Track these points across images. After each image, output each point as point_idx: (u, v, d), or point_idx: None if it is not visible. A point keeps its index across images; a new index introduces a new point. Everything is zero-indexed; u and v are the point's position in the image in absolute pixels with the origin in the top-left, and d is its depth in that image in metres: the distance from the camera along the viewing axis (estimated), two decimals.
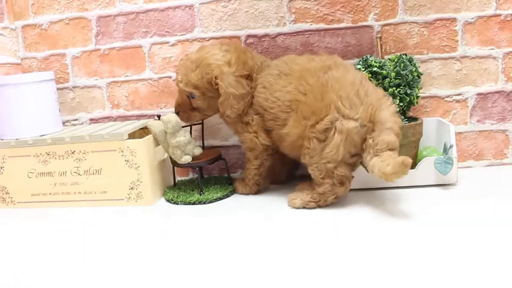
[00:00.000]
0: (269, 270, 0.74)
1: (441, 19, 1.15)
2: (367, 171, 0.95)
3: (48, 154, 1.16)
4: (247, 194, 1.14)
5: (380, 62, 1.08)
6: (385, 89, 1.06)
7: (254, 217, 0.98)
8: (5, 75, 1.28)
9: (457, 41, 1.16)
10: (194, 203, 1.09)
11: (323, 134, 0.95)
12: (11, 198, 1.21)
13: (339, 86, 0.95)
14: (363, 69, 1.08)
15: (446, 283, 0.65)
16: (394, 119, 0.95)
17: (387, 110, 0.96)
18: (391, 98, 1.00)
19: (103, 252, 0.87)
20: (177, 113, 1.11)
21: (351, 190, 1.06)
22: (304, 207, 1.00)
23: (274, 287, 0.68)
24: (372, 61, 1.09)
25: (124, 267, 0.80)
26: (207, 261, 0.79)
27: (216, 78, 1.04)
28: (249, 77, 1.06)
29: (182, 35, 1.25)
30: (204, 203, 1.09)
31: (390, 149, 0.92)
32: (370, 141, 0.93)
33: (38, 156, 1.17)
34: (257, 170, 1.11)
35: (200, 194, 1.11)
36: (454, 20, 1.15)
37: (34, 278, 0.78)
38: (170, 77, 1.28)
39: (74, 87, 1.34)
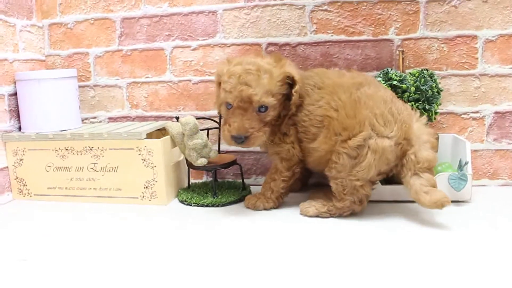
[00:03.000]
0: (278, 276, 0.74)
1: (461, 36, 1.16)
2: (398, 182, 0.99)
3: (66, 149, 1.19)
4: (271, 208, 1.08)
5: (400, 76, 1.09)
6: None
7: (266, 222, 0.99)
8: (30, 71, 1.31)
9: (477, 58, 1.16)
10: (207, 206, 1.10)
11: (354, 150, 0.93)
12: (28, 190, 1.23)
13: (373, 103, 0.94)
14: (383, 82, 1.09)
15: None
16: (428, 130, 0.98)
17: (419, 122, 0.98)
18: (418, 112, 1.02)
19: (112, 249, 0.88)
20: (246, 137, 0.95)
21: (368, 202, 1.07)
22: (317, 216, 1.01)
23: None
24: (392, 74, 1.09)
25: (131, 264, 0.81)
26: (216, 264, 0.79)
27: (287, 73, 0.97)
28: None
29: (204, 40, 1.27)
30: (217, 206, 1.10)
31: (429, 169, 0.95)
32: (412, 157, 0.94)
33: (57, 150, 1.19)
34: (286, 183, 1.06)
35: (214, 197, 1.12)
36: (475, 37, 1.15)
37: (39, 266, 0.80)
38: (190, 80, 1.30)
39: (95, 85, 1.37)
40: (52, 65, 1.38)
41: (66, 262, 0.82)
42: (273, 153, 1.05)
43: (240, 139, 0.95)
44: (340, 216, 0.99)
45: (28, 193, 1.24)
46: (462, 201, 1.07)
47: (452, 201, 1.06)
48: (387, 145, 0.93)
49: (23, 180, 1.23)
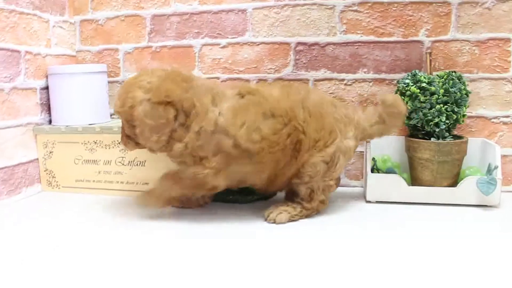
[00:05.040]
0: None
1: (494, 39, 1.14)
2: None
3: (95, 143, 1.21)
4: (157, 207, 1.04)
5: (429, 78, 1.08)
6: (432, 106, 1.06)
7: (251, 219, 0.98)
8: (62, 65, 1.33)
9: (510, 62, 1.14)
10: (230, 202, 1.11)
11: (329, 156, 0.96)
12: (57, 182, 1.25)
13: (329, 110, 0.98)
14: (412, 84, 1.08)
15: None
16: (363, 111, 1.07)
17: (359, 111, 1.05)
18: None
19: (133, 241, 0.89)
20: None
21: (393, 203, 1.07)
22: (289, 220, 0.98)
23: None
24: (421, 76, 1.08)
25: (151, 257, 0.81)
26: (212, 267, 0.80)
27: (132, 106, 0.92)
28: (171, 105, 0.90)
29: (233, 38, 1.28)
30: (240, 202, 1.11)
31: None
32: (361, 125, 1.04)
33: (85, 143, 1.21)
34: (179, 196, 1.01)
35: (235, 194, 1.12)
36: (508, 40, 1.14)
37: (69, 254, 0.81)
38: (218, 78, 1.30)
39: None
40: (82, 61, 1.41)
41: (92, 251, 0.83)
42: (187, 173, 0.95)
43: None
44: (307, 217, 1.00)
45: (57, 185, 1.26)
46: (491, 206, 1.05)
47: (481, 206, 1.06)
48: (352, 145, 1.00)
49: (52, 172, 1.26)
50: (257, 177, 0.97)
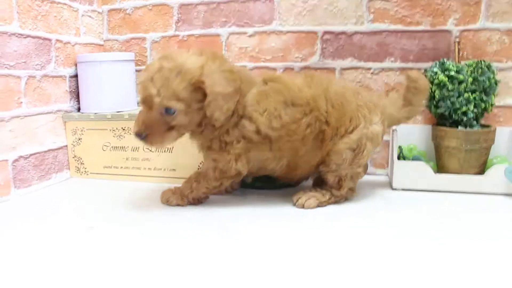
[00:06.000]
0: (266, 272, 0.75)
1: None
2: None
3: (123, 130, 1.23)
4: (181, 205, 1.01)
5: (457, 67, 1.08)
6: (460, 94, 1.06)
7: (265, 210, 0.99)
8: (90, 53, 1.36)
9: None
10: (260, 188, 1.12)
11: (355, 143, 0.96)
12: (85, 168, 1.28)
13: (351, 98, 0.98)
14: (440, 72, 1.08)
15: None
16: (388, 99, 1.07)
17: (384, 99, 1.06)
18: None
19: (163, 224, 0.91)
20: (144, 137, 0.90)
21: (419, 190, 1.07)
22: (318, 206, 1.00)
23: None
24: (449, 64, 1.08)
25: (178, 241, 0.83)
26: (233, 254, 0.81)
27: (200, 78, 0.87)
28: (234, 74, 0.91)
29: (260, 26, 1.29)
30: (271, 188, 1.12)
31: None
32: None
33: (114, 130, 1.23)
34: (209, 191, 1.00)
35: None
36: None
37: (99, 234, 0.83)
38: (245, 66, 1.31)
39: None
40: (110, 50, 1.43)
41: (123, 234, 0.85)
42: (211, 159, 0.97)
43: (140, 136, 0.90)
44: (336, 203, 1.01)
45: (85, 172, 1.28)
46: None
47: (508, 195, 1.05)
48: (380, 131, 0.99)
49: (81, 158, 1.28)
50: (276, 164, 0.98)
